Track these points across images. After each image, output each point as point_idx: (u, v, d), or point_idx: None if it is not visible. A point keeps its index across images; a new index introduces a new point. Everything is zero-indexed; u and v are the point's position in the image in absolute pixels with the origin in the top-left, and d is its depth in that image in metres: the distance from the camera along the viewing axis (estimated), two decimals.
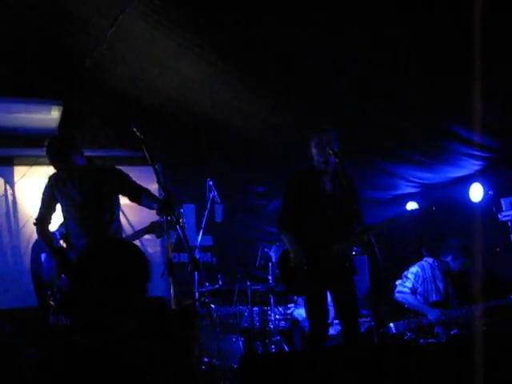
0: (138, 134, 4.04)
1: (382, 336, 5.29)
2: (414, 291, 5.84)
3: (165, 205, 4.07)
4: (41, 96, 5.81)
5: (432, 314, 5.60)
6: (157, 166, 4.04)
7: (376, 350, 3.98)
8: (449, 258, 5.91)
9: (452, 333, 5.44)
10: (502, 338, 4.13)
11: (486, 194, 6.61)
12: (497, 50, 4.32)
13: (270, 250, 6.68)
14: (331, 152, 4.63)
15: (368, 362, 3.57)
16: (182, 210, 5.91)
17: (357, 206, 4.70)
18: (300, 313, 6.44)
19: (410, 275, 5.92)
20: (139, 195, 4.59)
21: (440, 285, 5.86)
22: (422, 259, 6.06)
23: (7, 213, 6.76)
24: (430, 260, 5.99)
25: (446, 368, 4.02)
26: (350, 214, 4.74)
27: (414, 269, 5.96)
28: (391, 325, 5.68)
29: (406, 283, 5.88)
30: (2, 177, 6.82)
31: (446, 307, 5.68)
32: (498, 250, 6.25)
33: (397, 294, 5.88)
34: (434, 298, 5.80)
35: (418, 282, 5.87)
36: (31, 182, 6.72)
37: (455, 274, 5.89)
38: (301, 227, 4.84)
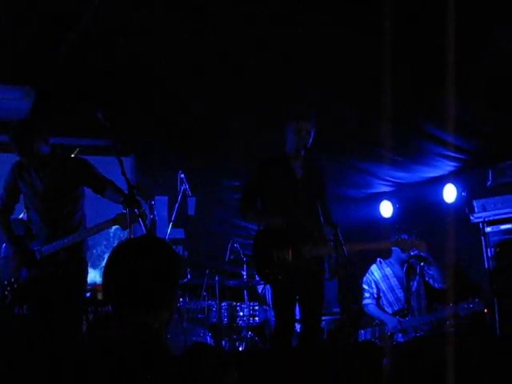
0: (103, 121, 3.96)
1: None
2: (376, 297, 5.75)
3: (128, 198, 4.00)
4: (13, 81, 5.69)
5: (390, 323, 5.49)
6: (130, 157, 3.98)
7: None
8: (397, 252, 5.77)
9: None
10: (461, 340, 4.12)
11: (459, 195, 6.63)
12: (471, 51, 4.33)
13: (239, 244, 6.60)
14: (302, 148, 4.59)
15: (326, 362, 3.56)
16: (153, 203, 5.81)
17: (325, 197, 4.73)
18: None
19: (364, 285, 5.85)
20: (103, 187, 4.47)
21: (394, 281, 5.75)
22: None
23: None
24: (377, 260, 5.90)
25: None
26: (320, 203, 4.63)
27: (364, 278, 5.88)
28: (362, 331, 5.65)
29: (365, 294, 5.80)
30: None
31: (407, 312, 5.55)
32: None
33: (364, 309, 5.80)
34: (391, 296, 5.72)
35: (371, 287, 5.78)
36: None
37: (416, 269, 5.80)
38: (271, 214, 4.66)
